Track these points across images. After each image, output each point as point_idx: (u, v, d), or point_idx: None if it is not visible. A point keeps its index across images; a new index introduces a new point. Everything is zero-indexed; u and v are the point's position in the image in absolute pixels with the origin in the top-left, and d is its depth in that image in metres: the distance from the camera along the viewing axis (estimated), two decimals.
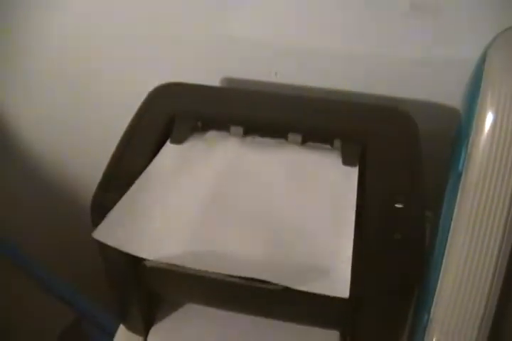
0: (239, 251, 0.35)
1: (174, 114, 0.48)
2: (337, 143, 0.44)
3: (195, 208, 0.39)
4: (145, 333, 0.45)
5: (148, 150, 0.45)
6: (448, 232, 0.29)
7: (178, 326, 0.45)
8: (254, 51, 0.54)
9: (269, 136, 0.46)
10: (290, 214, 0.38)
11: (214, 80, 0.57)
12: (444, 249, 0.29)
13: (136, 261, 0.41)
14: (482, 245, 0.27)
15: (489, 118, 0.26)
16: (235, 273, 0.34)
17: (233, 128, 0.47)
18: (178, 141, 0.46)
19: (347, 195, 0.40)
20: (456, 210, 0.28)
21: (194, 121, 0.47)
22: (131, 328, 0.46)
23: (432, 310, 0.30)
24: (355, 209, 0.38)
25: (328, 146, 0.45)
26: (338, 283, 0.31)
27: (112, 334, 0.46)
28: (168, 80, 0.52)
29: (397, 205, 0.38)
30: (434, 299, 0.29)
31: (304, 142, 0.45)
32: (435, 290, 0.29)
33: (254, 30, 0.54)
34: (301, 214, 0.38)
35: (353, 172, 0.42)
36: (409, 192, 0.39)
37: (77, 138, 0.67)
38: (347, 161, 0.43)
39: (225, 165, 0.43)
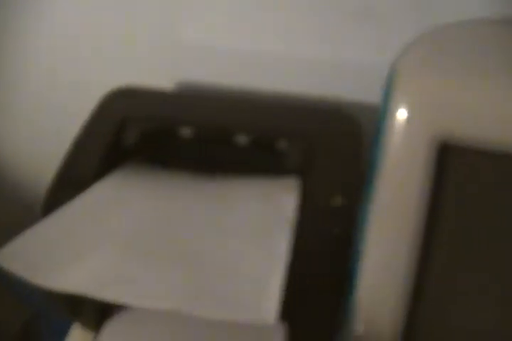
0: (153, 285, 0.33)
1: (125, 119, 0.49)
2: (281, 143, 0.46)
3: (113, 244, 0.37)
4: (98, 328, 0.46)
5: (97, 154, 0.46)
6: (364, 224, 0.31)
7: (132, 319, 0.46)
8: (207, 54, 0.56)
9: (217, 138, 0.48)
10: (214, 252, 0.37)
11: (168, 83, 0.58)
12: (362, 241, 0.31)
13: None
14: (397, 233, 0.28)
15: (399, 114, 0.28)
16: (144, 305, 0.31)
17: (182, 129, 0.48)
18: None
19: (281, 219, 0.39)
20: (370, 203, 0.30)
21: (144, 124, 0.49)
22: (85, 324, 0.47)
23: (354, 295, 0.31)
24: (288, 237, 0.37)
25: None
26: (264, 311, 0.30)
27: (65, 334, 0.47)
28: (123, 84, 0.53)
29: (334, 205, 0.39)
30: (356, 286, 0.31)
31: (249, 143, 0.47)
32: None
33: (206, 34, 0.55)
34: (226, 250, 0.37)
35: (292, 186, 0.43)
36: (350, 192, 0.41)
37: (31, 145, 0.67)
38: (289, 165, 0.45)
39: (154, 203, 0.43)
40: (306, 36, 0.52)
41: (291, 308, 0.35)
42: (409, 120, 0.28)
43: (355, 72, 0.52)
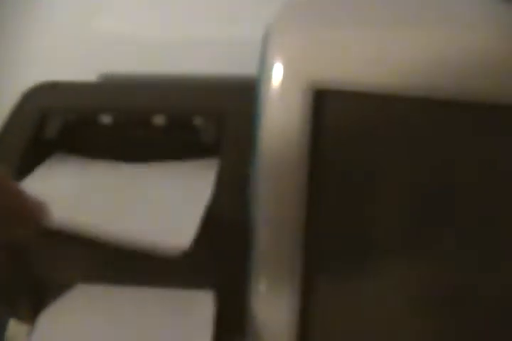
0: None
1: (46, 111, 0.49)
2: (197, 120, 0.47)
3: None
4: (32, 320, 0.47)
5: (19, 148, 0.47)
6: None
7: (66, 308, 0.47)
8: (125, 44, 0.57)
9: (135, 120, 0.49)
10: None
11: (91, 76, 0.59)
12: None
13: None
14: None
15: (274, 68, 0.29)
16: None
17: (102, 117, 0.49)
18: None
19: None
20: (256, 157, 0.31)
21: (65, 116, 0.49)
22: (21, 318, 0.48)
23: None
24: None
25: None
26: (181, 237, 0.32)
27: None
28: (44, 79, 0.54)
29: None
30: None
31: (166, 123, 0.48)
32: None
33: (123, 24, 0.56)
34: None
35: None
36: None
37: None
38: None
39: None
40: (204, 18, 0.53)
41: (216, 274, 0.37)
42: (283, 72, 0.29)
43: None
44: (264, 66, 0.30)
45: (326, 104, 0.28)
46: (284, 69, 0.29)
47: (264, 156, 0.30)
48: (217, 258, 0.41)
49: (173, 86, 0.52)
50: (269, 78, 0.30)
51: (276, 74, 0.29)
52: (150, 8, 0.54)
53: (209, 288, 0.45)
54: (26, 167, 0.46)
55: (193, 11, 0.53)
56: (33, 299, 0.46)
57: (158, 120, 0.48)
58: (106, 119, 0.49)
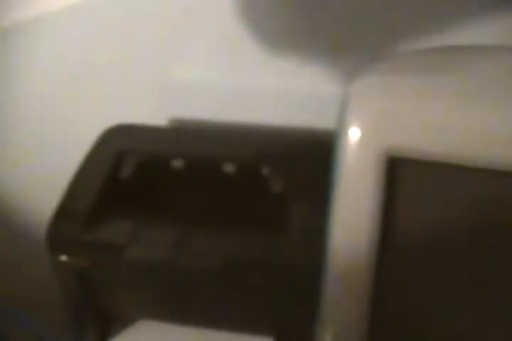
0: None
1: (121, 153, 0.53)
2: (265, 170, 0.50)
3: None
4: None
5: (96, 186, 0.50)
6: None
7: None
8: (195, 91, 0.60)
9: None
10: None
11: (161, 120, 0.62)
12: None
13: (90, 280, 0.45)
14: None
15: (351, 132, 0.31)
16: None
17: (174, 161, 0.52)
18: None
19: None
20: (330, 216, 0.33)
21: (139, 157, 0.53)
22: None
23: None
24: None
25: None
26: None
27: None
28: (119, 122, 0.57)
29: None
30: None
31: (236, 170, 0.50)
32: None
33: (192, 71, 0.59)
34: None
35: None
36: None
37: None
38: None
39: None
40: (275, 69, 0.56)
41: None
42: (360, 137, 0.31)
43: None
44: (341, 127, 0.32)
45: (400, 173, 0.30)
46: (360, 133, 0.31)
47: (337, 215, 0.32)
48: (277, 306, 0.43)
49: (245, 134, 0.54)
50: (346, 140, 0.32)
51: (353, 137, 0.31)
52: (227, 55, 0.57)
53: (269, 335, 0.47)
54: (101, 203, 0.49)
55: (271, 62, 0.55)
56: (99, 331, 0.49)
57: (228, 168, 0.50)
58: (177, 163, 0.52)
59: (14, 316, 0.56)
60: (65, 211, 0.49)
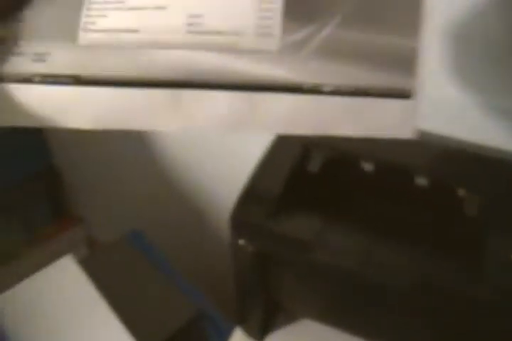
0: None
1: (308, 145, 0.52)
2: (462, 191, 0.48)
3: None
4: (261, 338, 0.50)
5: (283, 174, 0.50)
6: None
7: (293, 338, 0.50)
8: None
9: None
10: None
11: None
12: None
13: (265, 268, 0.46)
14: None
15: None
16: None
17: (364, 163, 0.51)
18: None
19: None
20: None
21: (328, 153, 0.52)
22: (248, 331, 0.51)
23: None
24: None
25: None
26: None
27: (227, 336, 0.51)
28: None
29: None
30: None
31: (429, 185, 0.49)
32: None
33: None
34: None
35: None
36: None
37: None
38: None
39: None
40: None
41: None
42: None
43: None
44: None
45: None
46: None
47: None
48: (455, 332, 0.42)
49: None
50: None
51: None
52: None
53: None
54: (287, 193, 0.49)
55: None
56: (261, 320, 0.50)
57: (421, 181, 0.49)
58: (367, 166, 0.51)
59: (179, 285, 0.59)
60: (250, 195, 0.49)
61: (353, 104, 0.29)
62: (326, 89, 0.29)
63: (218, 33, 0.29)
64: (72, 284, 0.57)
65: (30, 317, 0.56)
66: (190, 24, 0.29)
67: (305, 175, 0.51)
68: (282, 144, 0.54)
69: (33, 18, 0.31)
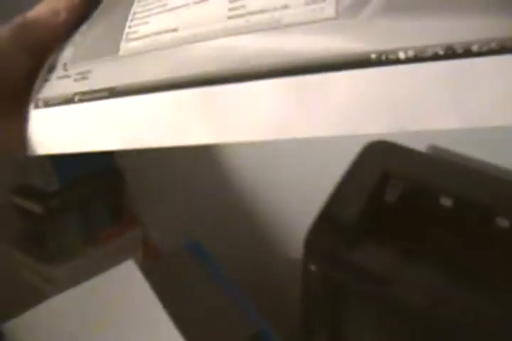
0: None
1: (386, 173, 0.52)
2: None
3: None
4: None
5: (361, 200, 0.50)
6: None
7: None
8: None
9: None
10: None
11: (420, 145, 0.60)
12: None
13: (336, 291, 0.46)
14: None
15: None
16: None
17: (442, 200, 0.50)
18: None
19: None
20: None
21: (407, 182, 0.51)
22: None
23: None
24: None
25: None
26: None
27: None
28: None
29: None
30: None
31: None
32: None
33: None
34: None
35: None
36: None
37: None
38: None
39: None
40: None
41: None
42: None
43: None
44: None
45: None
46: None
47: None
48: None
49: None
50: None
51: None
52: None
53: None
54: (364, 221, 0.49)
55: None
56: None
57: (503, 223, 0.48)
58: (446, 201, 0.50)
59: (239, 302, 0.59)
60: (326, 220, 0.49)
61: (453, 74, 0.19)
62: (404, 56, 0.20)
63: (263, 11, 0.24)
64: (133, 290, 0.58)
65: (87, 318, 0.57)
66: (231, 9, 0.25)
67: (382, 204, 0.51)
68: (361, 167, 0.53)
69: (80, 42, 0.30)
